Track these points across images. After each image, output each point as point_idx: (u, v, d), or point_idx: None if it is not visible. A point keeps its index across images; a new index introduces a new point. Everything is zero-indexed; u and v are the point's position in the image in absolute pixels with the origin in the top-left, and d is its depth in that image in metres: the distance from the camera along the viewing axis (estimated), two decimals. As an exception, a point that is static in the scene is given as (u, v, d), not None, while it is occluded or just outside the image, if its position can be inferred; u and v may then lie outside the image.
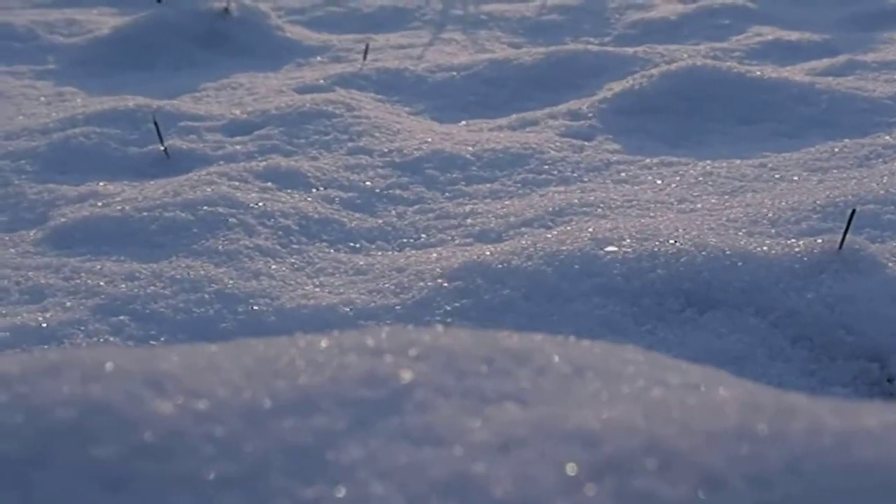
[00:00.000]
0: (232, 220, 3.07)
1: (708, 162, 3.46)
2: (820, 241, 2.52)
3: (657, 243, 2.58)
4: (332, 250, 3.01)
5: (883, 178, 2.99)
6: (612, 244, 2.61)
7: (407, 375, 1.23)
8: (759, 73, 4.07)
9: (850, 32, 4.97)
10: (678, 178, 3.33)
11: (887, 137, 3.53)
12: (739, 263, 2.47)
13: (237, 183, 3.31)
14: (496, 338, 1.36)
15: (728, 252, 2.50)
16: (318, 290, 2.76)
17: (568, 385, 1.25)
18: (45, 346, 2.53)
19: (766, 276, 2.44)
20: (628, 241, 2.62)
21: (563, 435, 1.10)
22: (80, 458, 1.07)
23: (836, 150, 3.47)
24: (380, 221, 3.18)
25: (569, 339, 1.42)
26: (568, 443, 1.09)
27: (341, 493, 1.04)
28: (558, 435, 1.11)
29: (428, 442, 1.11)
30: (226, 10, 5.10)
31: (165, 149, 3.70)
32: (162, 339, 2.56)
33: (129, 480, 1.05)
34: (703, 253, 2.50)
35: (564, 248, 2.64)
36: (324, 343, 1.32)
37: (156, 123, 3.70)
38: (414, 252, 2.98)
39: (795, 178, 3.26)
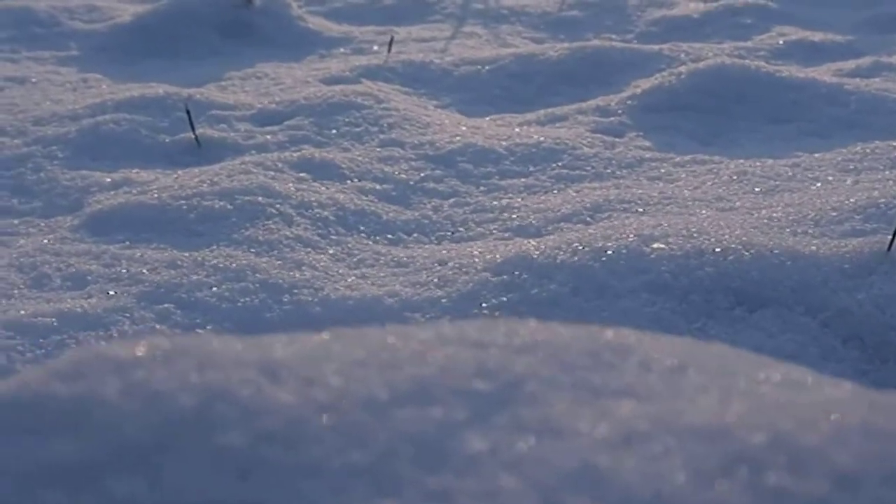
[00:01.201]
0: (270, 209, 3.07)
1: (741, 161, 3.47)
2: (867, 242, 2.52)
3: (703, 241, 2.59)
4: (370, 242, 3.01)
5: (921, 180, 3.00)
6: (657, 241, 2.61)
7: (518, 368, 1.23)
8: (786, 72, 4.08)
9: (872, 34, 4.98)
10: (712, 177, 3.34)
11: (920, 140, 3.54)
12: (788, 263, 2.48)
13: (273, 173, 3.31)
14: (593, 331, 1.37)
15: (776, 251, 2.51)
16: (360, 281, 2.76)
17: (675, 380, 1.25)
18: (92, 333, 2.53)
19: (815, 276, 2.44)
20: (674, 238, 2.63)
21: (686, 430, 1.11)
22: (206, 445, 1.08)
23: (868, 151, 3.47)
24: (416, 214, 3.19)
25: (657, 335, 1.43)
26: (691, 438, 1.09)
27: (470, 484, 1.04)
28: (680, 430, 1.11)
29: (549, 434, 1.12)
30: (248, -1, 5.10)
31: (197, 137, 3.69)
32: (208, 327, 2.56)
33: (257, 468, 1.05)
34: (751, 251, 2.51)
35: (610, 243, 2.65)
36: (426, 334, 1.32)
37: (188, 112, 3.69)
38: (453, 245, 2.99)
39: (830, 178, 3.26)
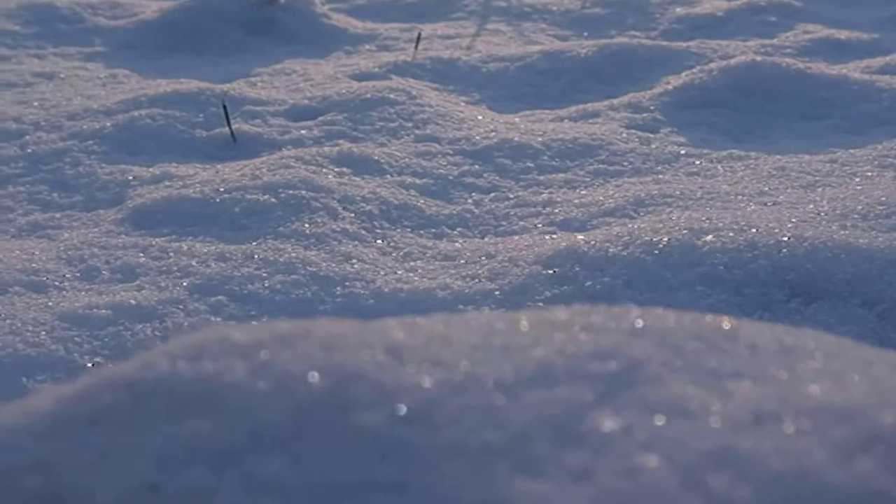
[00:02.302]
0: (315, 203, 3.08)
1: (777, 156, 3.48)
2: (920, 235, 2.54)
3: (755, 234, 2.60)
4: (415, 235, 3.02)
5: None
6: (708, 234, 2.63)
7: (633, 351, 1.24)
8: (817, 70, 4.09)
9: (897, 32, 5.00)
10: (750, 172, 3.35)
11: (954, 136, 3.56)
12: (842, 256, 2.49)
13: (313, 167, 3.32)
14: (696, 317, 1.38)
15: (829, 244, 2.52)
16: (410, 274, 2.77)
17: (787, 363, 1.26)
18: (148, 325, 2.54)
19: (870, 269, 2.46)
20: (724, 231, 2.64)
21: (814, 409, 1.12)
22: (343, 426, 1.09)
23: (904, 147, 3.49)
24: (458, 208, 3.20)
25: (755, 321, 1.44)
26: (822, 417, 1.10)
27: (609, 462, 1.05)
28: (809, 410, 1.12)
29: (678, 415, 1.13)
30: (273, -4, 5.11)
31: (233, 132, 3.71)
32: (264, 319, 2.57)
33: (398, 448, 1.06)
34: (805, 245, 2.52)
35: (661, 237, 2.66)
36: (530, 320, 1.33)
37: (224, 107, 3.71)
38: (498, 239, 3.00)
39: (868, 173, 3.28)
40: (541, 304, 2.56)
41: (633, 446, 1.08)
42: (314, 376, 1.15)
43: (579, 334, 1.29)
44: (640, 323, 1.34)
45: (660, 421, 1.12)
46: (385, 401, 1.11)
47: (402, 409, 1.10)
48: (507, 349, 1.23)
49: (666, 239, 2.63)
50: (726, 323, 1.37)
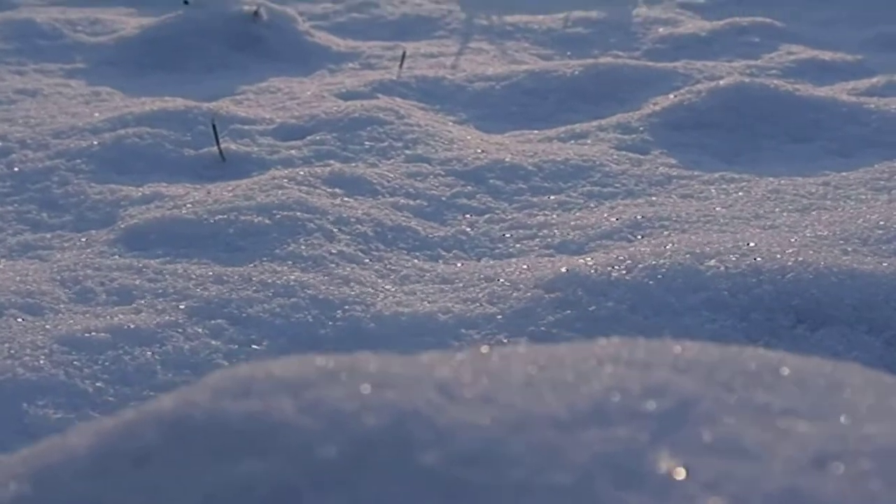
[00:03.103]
0: (310, 225, 3.06)
1: (770, 179, 3.48)
2: (923, 260, 2.54)
3: (758, 259, 2.59)
4: (411, 258, 3.00)
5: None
6: (711, 258, 2.62)
7: (682, 387, 1.23)
8: (805, 91, 4.10)
9: (880, 53, 5.02)
10: (744, 195, 3.35)
11: (945, 159, 3.56)
12: (847, 281, 2.49)
13: (306, 188, 3.30)
14: (737, 351, 1.36)
15: (835, 269, 2.51)
16: (409, 297, 2.75)
17: (838, 399, 1.25)
18: (147, 349, 2.51)
19: (876, 294, 2.45)
20: (726, 255, 2.63)
21: (876, 450, 1.11)
22: (404, 466, 1.07)
23: (895, 171, 3.49)
24: (452, 230, 3.18)
25: (797, 355, 1.43)
26: (884, 457, 1.09)
27: (675, 504, 1.04)
28: (871, 450, 1.11)
29: (738, 455, 1.11)
30: (255, 13, 5.08)
31: (221, 151, 3.68)
32: (264, 343, 2.55)
33: (464, 488, 1.05)
34: (810, 270, 2.52)
35: (662, 261, 2.65)
36: (574, 355, 1.31)
37: (214, 126, 3.68)
38: (494, 262, 2.98)
39: (863, 196, 3.28)
40: (543, 328, 2.54)
41: (697, 488, 1.06)
42: (369, 415, 1.13)
43: (626, 370, 1.27)
44: (684, 358, 1.32)
45: (720, 461, 1.10)
46: (444, 440, 1.10)
47: (463, 448, 1.09)
48: (557, 386, 1.22)
49: (668, 263, 2.62)
50: (771, 357, 1.36)
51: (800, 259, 2.58)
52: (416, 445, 1.09)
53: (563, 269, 2.72)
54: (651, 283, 2.59)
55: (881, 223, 2.86)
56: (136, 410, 1.25)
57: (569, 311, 2.58)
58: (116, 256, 2.97)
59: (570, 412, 1.16)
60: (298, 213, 3.10)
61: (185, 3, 5.20)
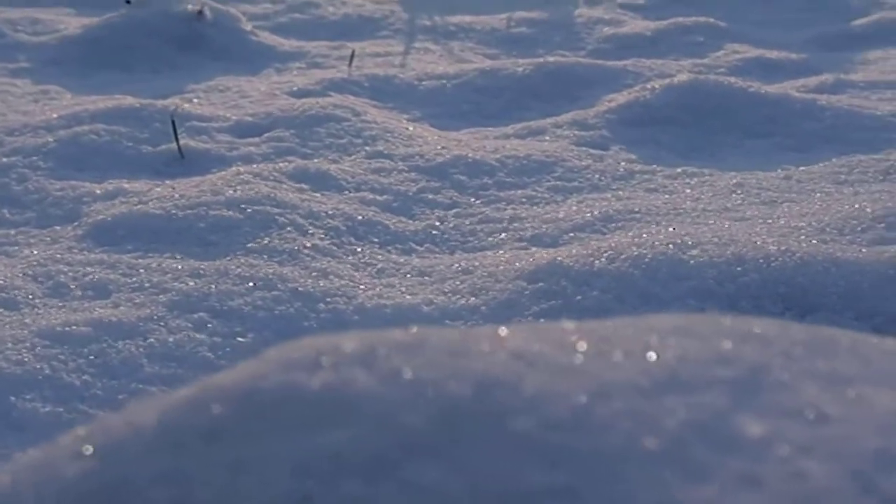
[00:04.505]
0: (282, 219, 3.04)
1: (732, 173, 3.50)
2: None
3: (740, 248, 2.61)
4: (384, 252, 2.99)
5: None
6: (694, 248, 2.63)
7: (749, 357, 1.23)
8: (759, 88, 4.13)
9: (823, 52, 5.07)
10: (709, 188, 3.37)
11: (901, 153, 3.61)
12: (832, 269, 2.50)
13: (273, 183, 3.27)
14: (787, 324, 1.37)
15: (819, 258, 2.53)
16: (389, 290, 2.74)
17: (891, 368, 1.26)
18: (131, 342, 2.48)
19: (862, 282, 2.47)
20: (708, 246, 2.64)
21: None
22: (499, 433, 1.06)
23: (854, 164, 3.53)
24: (422, 224, 3.17)
25: (849, 330, 1.43)
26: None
27: (773, 467, 1.03)
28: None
29: (823, 420, 1.11)
30: (199, 13, 5.04)
31: (180, 148, 3.64)
32: (249, 336, 2.52)
33: (565, 454, 1.04)
34: (795, 258, 2.53)
35: (644, 251, 2.66)
36: (637, 327, 1.31)
37: (173, 122, 3.64)
38: (468, 255, 2.98)
39: (828, 189, 3.31)
40: (530, 318, 2.54)
41: (792, 451, 1.06)
42: (452, 383, 1.12)
43: (688, 340, 1.27)
44: (739, 329, 1.32)
45: (808, 425, 1.10)
46: (534, 407, 1.09)
47: (555, 415, 1.08)
48: (628, 355, 1.21)
49: (651, 253, 2.63)
50: (819, 329, 1.36)
51: (783, 248, 2.59)
52: (507, 412, 1.08)
53: (544, 261, 2.72)
54: (635, 272, 2.59)
55: (853, 214, 2.89)
56: (197, 387, 1.23)
57: (554, 302, 2.58)
58: (86, 252, 2.93)
59: (649, 380, 1.16)
60: (269, 208, 3.08)
61: (128, 2, 5.15)
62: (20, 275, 2.78)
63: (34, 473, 1.19)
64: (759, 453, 1.06)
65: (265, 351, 1.26)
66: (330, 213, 3.12)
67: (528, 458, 1.03)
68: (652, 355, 1.22)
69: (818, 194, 3.26)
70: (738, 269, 2.54)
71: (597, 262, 2.64)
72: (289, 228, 3.00)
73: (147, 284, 2.72)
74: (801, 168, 3.54)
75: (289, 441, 1.10)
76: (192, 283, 2.70)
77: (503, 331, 1.26)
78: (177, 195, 3.18)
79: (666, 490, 1.00)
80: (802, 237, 2.74)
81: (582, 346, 1.23)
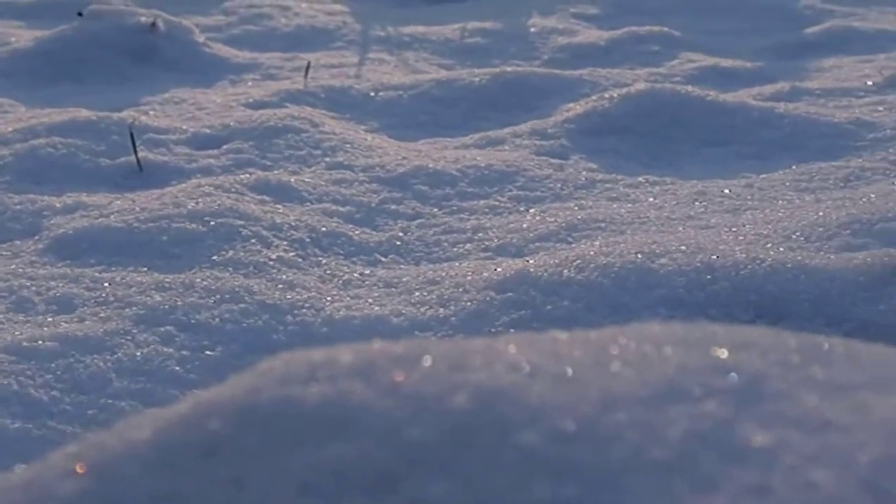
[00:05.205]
0: (245, 231, 3.02)
1: (693, 181, 3.51)
2: (871, 255, 2.57)
3: (709, 257, 2.61)
4: (349, 263, 2.98)
5: (887, 196, 3.07)
6: (662, 257, 2.63)
7: (748, 365, 1.23)
8: (716, 97, 4.14)
9: (777, 60, 5.09)
10: (671, 197, 3.37)
11: (860, 160, 3.62)
12: (802, 276, 2.51)
13: (235, 195, 3.25)
14: (779, 332, 1.36)
15: (788, 265, 2.54)
16: (357, 301, 2.72)
17: (887, 374, 1.25)
18: (98, 357, 2.45)
19: (831, 289, 2.48)
20: (676, 254, 2.64)
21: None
22: (504, 446, 1.05)
23: (814, 172, 3.54)
24: (386, 235, 3.16)
25: (819, 335, 1.43)
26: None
27: (782, 478, 1.03)
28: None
29: (827, 428, 1.11)
30: (153, 25, 5.01)
31: (139, 160, 3.62)
32: (218, 349, 2.50)
33: (571, 467, 1.03)
34: (763, 266, 2.54)
35: (612, 260, 2.65)
36: (631, 336, 1.30)
37: (132, 135, 3.61)
38: (434, 265, 2.97)
39: (789, 197, 3.32)
40: (500, 328, 2.53)
41: (800, 459, 1.06)
42: (455, 396, 1.11)
43: (685, 349, 1.27)
44: (733, 338, 1.32)
45: (811, 435, 1.10)
46: (538, 419, 1.08)
47: (559, 428, 1.07)
48: (627, 365, 1.20)
49: (619, 262, 2.63)
50: (810, 337, 1.36)
51: (751, 256, 2.60)
52: (512, 426, 1.07)
53: (511, 271, 2.71)
54: (605, 281, 2.59)
55: (818, 221, 2.90)
56: (190, 401, 1.21)
57: (523, 312, 2.57)
58: (49, 266, 2.90)
59: (650, 390, 1.15)
60: (232, 220, 3.06)
61: (80, 14, 5.10)
62: (-18, 290, 2.75)
63: (24, 493, 1.17)
64: (767, 463, 1.05)
65: (257, 364, 1.24)
66: (293, 224, 3.10)
67: (534, 471, 1.02)
68: (650, 365, 1.21)
69: (780, 202, 3.27)
70: (708, 277, 2.54)
71: (565, 271, 2.64)
72: (253, 241, 2.97)
73: (112, 298, 2.69)
74: (762, 176, 3.55)
75: (289, 457, 1.08)
76: (157, 297, 2.68)
77: (500, 342, 1.25)
78: (138, 208, 3.15)
79: (675, 502, 1.00)
80: (769, 245, 2.74)
81: (580, 356, 1.22)
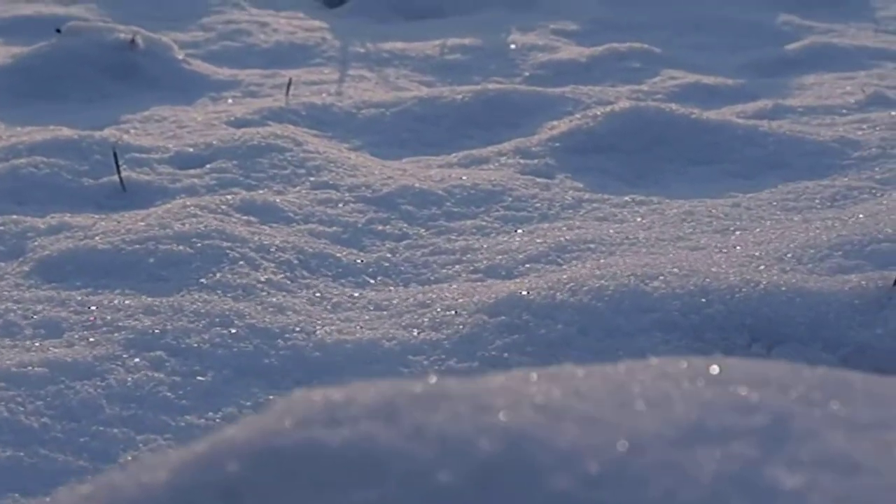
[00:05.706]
0: (233, 253, 2.99)
1: (681, 201, 3.50)
2: (865, 277, 2.56)
3: (703, 279, 2.60)
4: (338, 285, 2.95)
5: (876, 216, 3.07)
6: (655, 279, 2.62)
7: (773, 404, 1.21)
8: (700, 115, 4.14)
9: (759, 77, 5.09)
10: (659, 217, 3.36)
11: (846, 179, 3.62)
12: (797, 299, 2.50)
13: (221, 216, 3.23)
14: (801, 368, 1.35)
15: (784, 288, 2.53)
16: (348, 324, 2.70)
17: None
18: (88, 382, 2.42)
19: (827, 312, 2.47)
20: (669, 276, 2.63)
21: None
22: (535, 491, 1.03)
23: (801, 191, 3.54)
24: (374, 257, 3.14)
25: (847, 372, 1.42)
26: None
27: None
28: None
29: (855, 469, 1.10)
30: (132, 41, 4.98)
31: (122, 180, 3.59)
32: (209, 374, 2.48)
33: (601, 511, 1.01)
34: (758, 289, 2.53)
35: (606, 282, 2.64)
36: (644, 372, 1.29)
37: (115, 155, 3.59)
38: (424, 287, 2.95)
39: (777, 216, 3.31)
40: (494, 353, 2.51)
41: (832, 502, 1.04)
42: (481, 439, 1.09)
43: (706, 386, 1.25)
44: (752, 374, 1.31)
45: (841, 477, 1.08)
46: (568, 462, 1.06)
47: (589, 471, 1.05)
48: (651, 404, 1.19)
49: (613, 285, 2.61)
50: (827, 372, 1.35)
51: (745, 278, 2.59)
52: (541, 469, 1.05)
53: (503, 294, 2.70)
54: (599, 304, 2.57)
55: (809, 243, 2.89)
56: (208, 442, 1.19)
57: (517, 336, 2.56)
58: (34, 289, 2.87)
59: (676, 430, 1.14)
60: (219, 242, 3.03)
61: (58, 31, 5.07)
62: (-33, 314, 2.72)
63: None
64: (799, 506, 1.04)
65: (272, 403, 1.22)
66: (280, 246, 3.08)
67: (566, 516, 1.01)
68: (674, 403, 1.20)
69: (769, 222, 3.26)
70: (703, 300, 2.53)
71: (558, 294, 2.62)
72: (241, 263, 2.95)
73: (100, 322, 2.66)
74: (749, 195, 3.54)
75: (312, 501, 1.06)
76: (146, 321, 2.65)
77: (519, 379, 1.24)
78: (123, 229, 3.12)
79: (712, 548, 0.98)
80: (762, 267, 2.73)
81: (602, 394, 1.20)
